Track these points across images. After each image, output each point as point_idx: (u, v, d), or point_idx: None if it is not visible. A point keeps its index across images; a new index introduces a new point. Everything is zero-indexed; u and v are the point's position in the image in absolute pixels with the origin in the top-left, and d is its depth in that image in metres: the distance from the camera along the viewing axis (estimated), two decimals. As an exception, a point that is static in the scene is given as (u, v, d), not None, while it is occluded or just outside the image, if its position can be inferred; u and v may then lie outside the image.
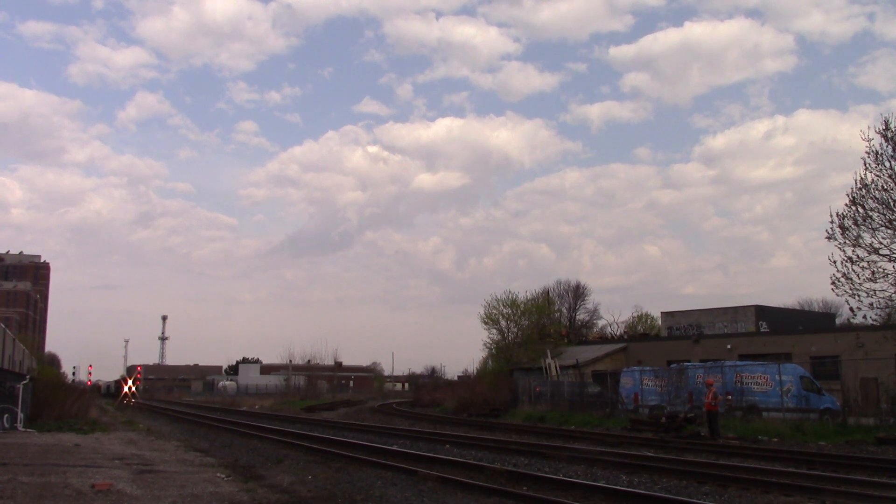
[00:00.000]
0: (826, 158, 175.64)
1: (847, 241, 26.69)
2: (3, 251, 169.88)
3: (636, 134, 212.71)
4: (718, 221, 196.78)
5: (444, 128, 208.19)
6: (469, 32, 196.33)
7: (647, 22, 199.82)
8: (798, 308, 74.86)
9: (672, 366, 39.00)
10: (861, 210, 26.52)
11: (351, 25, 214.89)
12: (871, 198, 26.44)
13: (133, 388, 71.43)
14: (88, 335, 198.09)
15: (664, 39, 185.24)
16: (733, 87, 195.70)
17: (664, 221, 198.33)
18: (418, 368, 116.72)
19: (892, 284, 26.19)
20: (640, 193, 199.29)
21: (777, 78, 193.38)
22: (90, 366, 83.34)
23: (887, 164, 26.28)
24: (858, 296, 26.44)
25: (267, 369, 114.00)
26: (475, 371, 65.54)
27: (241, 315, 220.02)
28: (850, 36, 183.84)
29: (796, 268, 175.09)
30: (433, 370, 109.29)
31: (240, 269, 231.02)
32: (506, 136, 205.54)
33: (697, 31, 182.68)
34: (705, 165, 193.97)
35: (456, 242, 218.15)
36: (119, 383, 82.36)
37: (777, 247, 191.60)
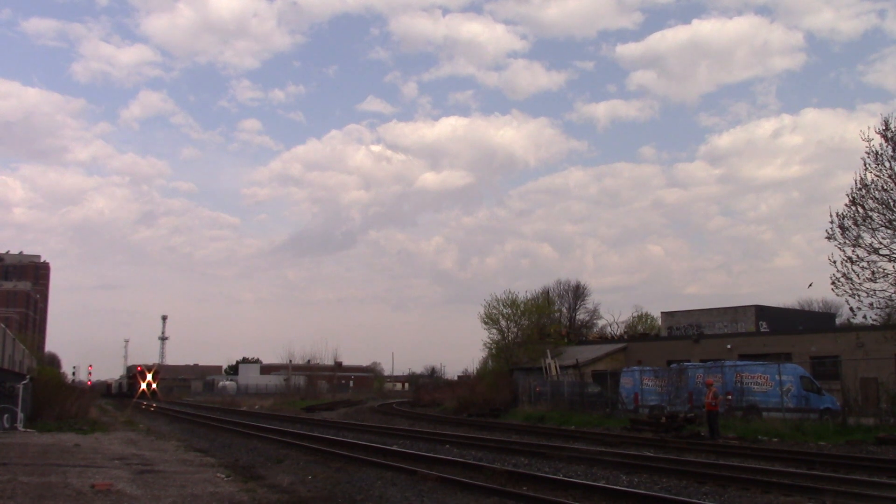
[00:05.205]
0: (833, 157, 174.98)
1: (847, 242, 26.72)
2: (4, 251, 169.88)
3: (641, 133, 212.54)
4: (722, 221, 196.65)
5: (448, 126, 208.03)
6: (475, 30, 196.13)
7: (655, 19, 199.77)
8: (798, 308, 74.83)
9: (672, 366, 38.96)
10: (861, 210, 26.53)
11: (356, 23, 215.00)
12: (871, 198, 26.45)
13: (154, 386, 59.99)
14: (88, 335, 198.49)
15: (672, 37, 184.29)
16: (741, 85, 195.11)
17: (668, 221, 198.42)
18: (418, 368, 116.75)
19: (892, 284, 26.20)
20: (645, 193, 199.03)
21: (785, 76, 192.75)
22: (90, 366, 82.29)
23: (887, 164, 26.29)
24: (858, 296, 26.46)
25: (267, 369, 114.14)
26: (475, 371, 65.58)
27: (241, 315, 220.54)
28: (859, 33, 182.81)
29: (799, 267, 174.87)
30: (433, 370, 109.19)
31: (242, 269, 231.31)
32: (511, 134, 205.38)
33: (706, 28, 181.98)
34: (710, 164, 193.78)
35: (459, 242, 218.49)
36: (134, 380, 68.76)
37: (781, 246, 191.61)
